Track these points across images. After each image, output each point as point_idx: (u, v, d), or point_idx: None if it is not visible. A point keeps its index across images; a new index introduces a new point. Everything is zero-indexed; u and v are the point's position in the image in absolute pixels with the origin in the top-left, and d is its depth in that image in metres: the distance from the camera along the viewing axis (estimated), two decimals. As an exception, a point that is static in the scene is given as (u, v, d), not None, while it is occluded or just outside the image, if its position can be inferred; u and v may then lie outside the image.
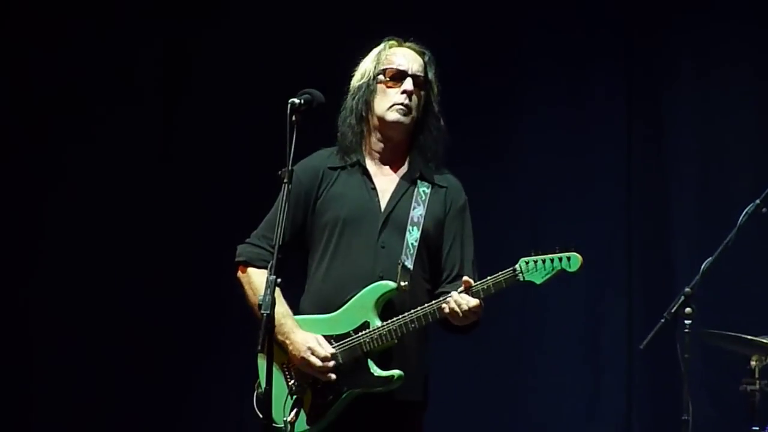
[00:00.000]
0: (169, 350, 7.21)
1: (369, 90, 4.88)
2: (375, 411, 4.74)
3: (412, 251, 4.80)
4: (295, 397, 4.75)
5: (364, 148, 4.92)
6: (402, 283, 4.74)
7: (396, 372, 4.71)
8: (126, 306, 7.25)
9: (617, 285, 7.05)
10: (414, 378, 4.78)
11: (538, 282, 4.68)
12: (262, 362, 4.62)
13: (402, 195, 4.88)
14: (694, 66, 7.09)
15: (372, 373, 4.72)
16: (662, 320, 5.43)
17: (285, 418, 4.71)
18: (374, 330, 4.72)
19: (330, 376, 4.72)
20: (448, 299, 4.68)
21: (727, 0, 7.05)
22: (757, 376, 5.66)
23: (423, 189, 4.90)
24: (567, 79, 7.24)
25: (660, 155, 7.10)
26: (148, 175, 7.40)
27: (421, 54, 4.93)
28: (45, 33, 7.39)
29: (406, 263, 4.78)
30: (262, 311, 4.22)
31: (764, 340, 5.60)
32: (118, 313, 7.25)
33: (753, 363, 5.67)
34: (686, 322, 5.39)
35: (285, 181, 4.41)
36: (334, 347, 4.74)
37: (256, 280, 4.80)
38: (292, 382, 4.77)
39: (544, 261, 4.66)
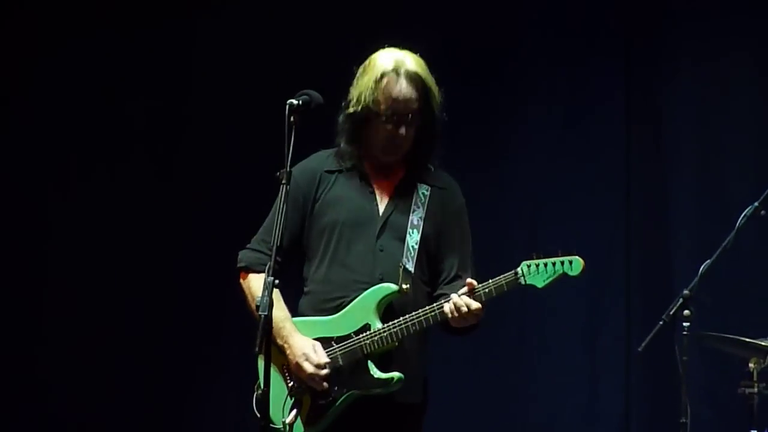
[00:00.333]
0: (169, 352, 7.20)
1: (364, 122, 4.80)
2: (374, 413, 4.74)
3: (412, 254, 4.80)
4: (294, 398, 4.75)
5: (362, 153, 4.90)
6: (404, 286, 4.75)
7: (395, 374, 4.71)
8: (127, 310, 7.24)
9: (616, 287, 7.04)
10: (413, 380, 4.79)
11: (539, 285, 4.68)
12: (262, 363, 4.62)
13: (401, 198, 4.88)
14: (693, 67, 7.08)
15: (372, 375, 4.72)
16: (661, 322, 5.43)
17: (284, 420, 4.72)
18: (375, 332, 4.72)
19: (322, 384, 4.72)
20: (448, 301, 4.67)
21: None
22: (755, 378, 5.65)
23: (422, 191, 4.90)
24: (565, 81, 7.22)
25: (659, 157, 7.09)
26: (148, 175, 7.39)
27: (419, 82, 4.76)
28: (45, 37, 7.38)
29: (407, 266, 4.78)
30: (260, 312, 4.23)
31: (762, 343, 5.59)
32: (118, 315, 7.24)
33: (751, 366, 5.66)
34: (684, 324, 5.40)
35: (283, 182, 4.40)
36: (335, 349, 4.75)
37: (255, 284, 4.80)
38: (292, 383, 4.77)
39: (546, 264, 4.66)
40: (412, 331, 4.70)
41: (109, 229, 7.32)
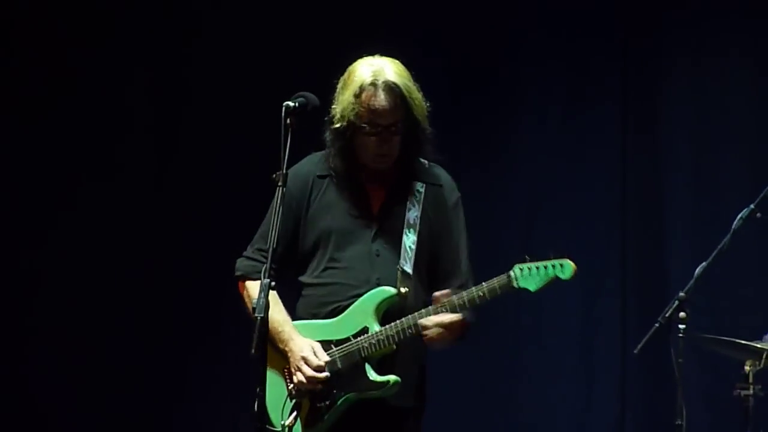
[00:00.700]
0: (167, 354, 7.19)
1: (350, 135, 4.76)
2: (372, 416, 4.74)
3: (410, 255, 4.79)
4: (293, 401, 4.75)
5: (353, 161, 4.86)
6: (402, 289, 4.75)
7: (392, 377, 4.71)
8: (123, 313, 7.23)
9: (611, 289, 7.04)
10: (411, 383, 4.79)
11: (532, 289, 4.68)
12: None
13: (395, 199, 4.86)
14: (689, 68, 7.08)
15: (369, 378, 4.72)
16: (656, 325, 5.43)
17: (283, 422, 4.72)
18: (372, 335, 4.72)
19: (320, 387, 4.71)
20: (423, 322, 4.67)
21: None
22: (751, 381, 5.64)
23: (417, 188, 4.88)
24: (561, 82, 7.22)
25: (655, 158, 7.09)
26: (148, 176, 7.38)
27: (397, 91, 4.70)
28: (44, 42, 7.37)
29: (405, 268, 4.78)
30: (256, 314, 4.23)
31: (758, 345, 5.59)
32: (117, 316, 7.23)
33: (747, 368, 5.65)
34: (680, 326, 5.39)
35: (279, 184, 4.39)
36: (333, 352, 4.74)
37: (253, 291, 4.77)
38: (291, 386, 4.76)
39: (537, 267, 4.66)
40: (408, 334, 4.70)
41: (106, 232, 7.31)
